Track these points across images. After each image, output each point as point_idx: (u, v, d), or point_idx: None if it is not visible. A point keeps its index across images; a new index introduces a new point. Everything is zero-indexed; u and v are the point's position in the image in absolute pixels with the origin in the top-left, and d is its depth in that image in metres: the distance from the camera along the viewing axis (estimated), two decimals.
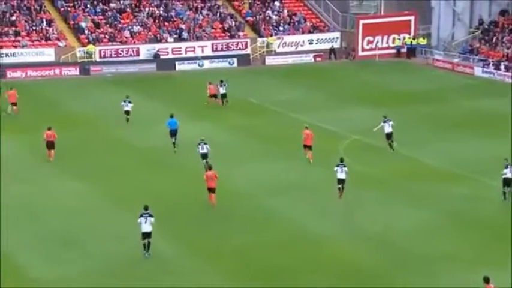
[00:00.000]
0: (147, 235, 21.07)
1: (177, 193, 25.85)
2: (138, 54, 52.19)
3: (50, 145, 29.91)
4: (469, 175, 27.67)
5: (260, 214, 23.94)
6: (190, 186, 26.56)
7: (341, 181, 25.73)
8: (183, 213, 23.90)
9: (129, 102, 35.65)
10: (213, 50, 53.76)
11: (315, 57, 55.50)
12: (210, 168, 25.50)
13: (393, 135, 30.97)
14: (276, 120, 36.48)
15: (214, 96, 39.88)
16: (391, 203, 24.92)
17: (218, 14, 56.77)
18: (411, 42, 55.36)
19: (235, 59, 53.37)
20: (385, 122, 32.14)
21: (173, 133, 31.46)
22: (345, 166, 25.93)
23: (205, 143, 29.06)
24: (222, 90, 39.56)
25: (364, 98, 42.38)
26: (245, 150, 31.44)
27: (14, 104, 37.45)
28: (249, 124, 35.76)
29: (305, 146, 29.87)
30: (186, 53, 53.10)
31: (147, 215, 21.19)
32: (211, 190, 24.97)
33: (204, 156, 28.99)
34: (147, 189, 25.95)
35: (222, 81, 39.88)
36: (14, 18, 51.96)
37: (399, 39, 55.14)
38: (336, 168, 25.90)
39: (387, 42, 55.93)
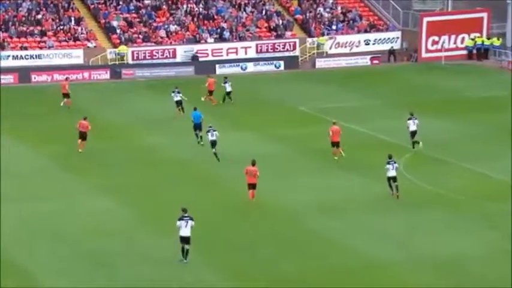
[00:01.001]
0: (185, 240, 21.59)
1: (216, 212, 25.81)
2: (174, 56, 52.71)
3: (83, 135, 32.37)
4: None
5: (311, 236, 23.66)
6: (231, 203, 26.50)
7: (393, 179, 26.54)
8: (224, 235, 23.81)
9: (179, 92, 37.69)
10: (257, 52, 53.88)
11: (371, 59, 55.07)
12: (253, 164, 26.52)
13: (417, 134, 31.77)
14: (325, 131, 36.25)
15: (211, 93, 41.55)
16: (460, 224, 24.38)
17: (263, 12, 56.92)
18: (483, 42, 54.40)
19: (282, 62, 53.35)
20: (410, 119, 32.86)
21: (197, 126, 33.56)
22: (395, 162, 26.77)
23: (214, 130, 31.34)
24: (228, 88, 41.46)
25: (428, 105, 41.75)
26: (293, 164, 31.28)
27: (66, 95, 37.98)
28: (297, 134, 35.61)
29: (333, 144, 30.93)
30: (227, 55, 53.38)
31: (187, 218, 21.79)
32: (251, 186, 26.35)
33: (214, 143, 31.28)
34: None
35: (226, 78, 42.47)
36: (39, 16, 53.15)
37: (471, 39, 54.24)
38: (386, 166, 26.65)
39: (455, 43, 55.12)
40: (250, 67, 52.93)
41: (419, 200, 26.68)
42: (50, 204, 26.41)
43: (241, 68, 52.81)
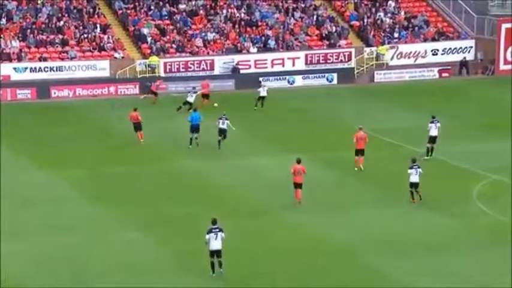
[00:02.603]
0: (216, 253, 22.77)
1: (263, 249, 25.79)
2: (212, 68, 53.19)
3: (137, 127, 37.88)
4: None
5: (372, 276, 23.48)
6: (280, 239, 26.46)
7: (415, 185, 28.93)
8: (271, 275, 23.78)
9: (226, 119, 37.71)
10: (307, 63, 54.04)
11: (440, 72, 54.71)
12: (298, 162, 28.97)
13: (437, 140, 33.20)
14: (389, 154, 36.02)
15: (206, 96, 44.40)
16: None
17: (315, 17, 57.12)
18: None
19: (335, 75, 53.39)
20: (432, 122, 33.84)
21: (194, 128, 36.69)
22: (419, 167, 28.96)
23: (226, 118, 36.12)
24: (262, 93, 44.72)
25: (507, 126, 41.22)
26: (349, 193, 31.15)
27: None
28: (349, 158, 35.47)
29: (357, 152, 32.88)
30: (272, 67, 53.67)
31: (217, 229, 22.87)
32: (297, 185, 28.94)
33: (222, 131, 36.04)
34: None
35: (261, 81, 46.05)
36: (61, 23, 54.26)
37: None
38: (410, 171, 29.05)
39: None
40: (299, 81, 53.04)
41: (497, 237, 26.23)
42: (72, 237, 26.73)
43: (288, 82, 53.00)
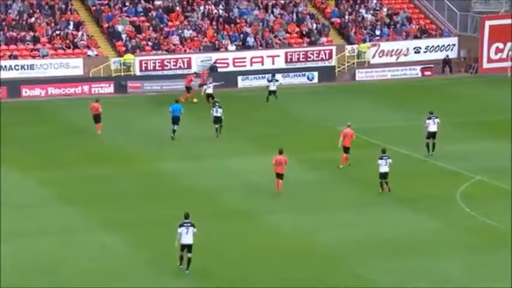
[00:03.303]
0: (187, 247, 23.60)
1: (244, 253, 25.88)
2: (189, 67, 53.18)
3: (96, 118, 39.31)
4: None
5: (358, 282, 23.64)
6: (262, 243, 26.56)
7: (384, 175, 30.26)
8: (254, 281, 23.86)
9: (219, 107, 39.37)
10: (287, 61, 54.19)
11: (423, 70, 55.08)
12: (280, 153, 30.54)
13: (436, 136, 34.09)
14: (372, 155, 36.18)
15: (188, 89, 46.27)
16: None
17: (295, 14, 57.30)
18: None
19: (315, 73, 53.59)
20: (430, 118, 34.75)
21: (175, 120, 38.32)
22: (389, 158, 30.37)
23: (220, 106, 38.45)
24: (272, 87, 46.17)
25: (491, 126, 41.62)
26: (333, 195, 31.33)
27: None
28: (336, 160, 35.68)
29: (344, 149, 33.60)
30: (251, 65, 53.76)
31: (188, 224, 23.70)
32: (279, 176, 30.57)
33: (217, 120, 38.49)
34: (198, 248, 26.11)
35: (273, 76, 47.72)
36: (32, 20, 53.97)
37: None
38: (379, 161, 30.29)
39: None
40: (279, 79, 53.15)
41: (482, 240, 26.52)
42: (46, 240, 26.65)
43: (268, 81, 53.03)
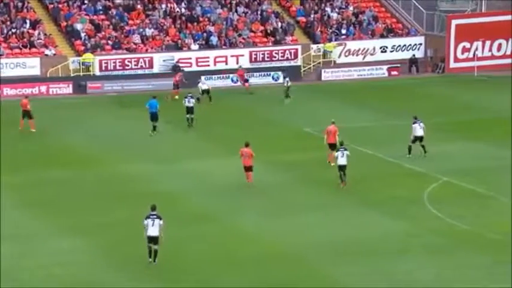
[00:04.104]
0: (153, 240, 24.27)
1: (209, 257, 26.08)
2: (151, 67, 53.24)
3: (25, 114, 40.40)
4: None
5: (320, 284, 23.95)
6: (227, 245, 26.80)
7: (343, 167, 31.38)
8: (216, 280, 24.10)
9: (191, 97, 41.86)
10: (251, 61, 54.48)
11: (389, 70, 55.73)
12: (247, 145, 31.59)
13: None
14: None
15: (177, 87, 47.69)
16: (501, 271, 24.70)
17: (259, 13, 57.61)
18: None
19: (280, 73, 53.96)
20: (415, 123, 35.39)
21: (152, 116, 39.69)
22: (346, 149, 31.55)
23: (192, 97, 41.07)
24: (286, 83, 48.36)
25: (458, 126, 42.28)
26: (299, 197, 31.63)
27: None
28: (302, 161, 36.00)
29: (330, 146, 33.91)
30: (215, 65, 53.98)
31: (154, 216, 24.39)
32: (247, 169, 31.58)
33: (190, 110, 40.91)
34: (164, 251, 26.29)
35: (284, 70, 51.08)
36: None
37: None
38: (337, 153, 31.61)
39: (490, 51, 55.88)
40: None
41: (449, 241, 26.98)
42: (6, 246, 26.59)
43: (232, 81, 53.37)
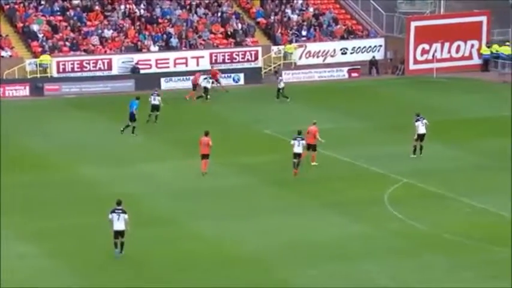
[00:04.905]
0: (119, 234, 25.18)
1: (167, 259, 26.04)
2: (110, 68, 52.97)
3: None
4: None
5: (281, 287, 24.11)
6: (185, 249, 26.78)
7: (298, 155, 33.40)
8: (174, 284, 24.08)
9: (158, 95, 42.82)
10: (211, 63, 54.47)
11: (349, 72, 56.11)
12: (206, 134, 33.38)
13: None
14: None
15: (195, 87, 48.66)
16: (460, 272, 25.03)
17: (219, 14, 57.65)
18: (494, 51, 55.69)
19: (241, 75, 54.05)
20: (418, 120, 36.03)
21: (130, 116, 39.94)
22: (303, 139, 33.45)
23: (158, 95, 42.27)
24: (280, 85, 48.61)
25: None
26: (259, 199, 31.73)
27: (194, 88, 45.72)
28: (262, 163, 36.12)
29: (309, 146, 34.53)
30: (175, 67, 53.86)
31: (119, 211, 25.21)
32: (204, 157, 33.38)
33: (155, 107, 42.02)
34: (124, 257, 26.18)
35: (277, 72, 51.22)
36: None
37: (488, 46, 55.76)
38: (293, 142, 33.49)
39: (449, 52, 56.54)
40: (203, 81, 53.45)
41: (408, 243, 27.26)
42: None
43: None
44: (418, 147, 36.42)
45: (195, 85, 49.29)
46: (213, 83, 49.61)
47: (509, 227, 28.53)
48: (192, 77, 50.19)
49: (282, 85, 48.64)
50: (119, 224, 25.09)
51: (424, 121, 36.13)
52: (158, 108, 42.15)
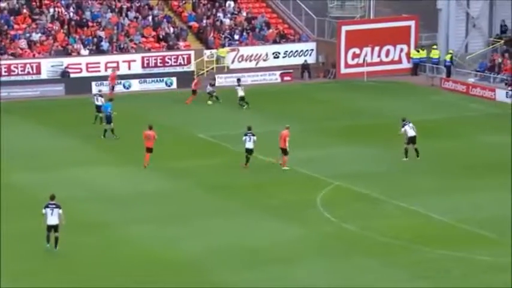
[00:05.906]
0: (53, 228, 25.98)
1: (101, 265, 26.12)
2: (38, 72, 52.52)
3: None
4: (493, 237, 28.75)
5: None
6: (118, 255, 26.88)
7: (249, 151, 35.35)
8: None
9: (100, 96, 43.69)
10: (143, 67, 54.50)
11: (282, 76, 56.76)
12: (150, 128, 35.54)
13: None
14: (231, 162, 37.24)
15: (194, 92, 49.20)
16: (390, 273, 25.71)
17: (151, 18, 57.69)
18: (423, 56, 57.03)
19: (174, 79, 54.19)
20: (405, 125, 37.17)
21: (106, 119, 40.99)
22: (253, 135, 35.33)
23: (101, 95, 43.32)
24: (240, 93, 48.34)
25: (349, 130, 43.49)
26: (194, 204, 32.01)
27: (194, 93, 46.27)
28: (197, 167, 36.42)
29: (281, 150, 35.83)
30: (106, 70, 53.68)
31: (53, 205, 26.04)
32: (148, 150, 35.44)
33: (100, 108, 42.29)
34: (59, 263, 26.19)
35: (239, 80, 50.59)
36: None
37: (417, 50, 57.02)
38: (244, 138, 35.36)
39: (379, 56, 57.70)
40: (135, 85, 53.44)
41: (340, 245, 27.90)
42: None
43: (124, 87, 53.23)
44: (412, 150, 36.93)
45: (195, 90, 49.41)
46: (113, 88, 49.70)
47: (437, 227, 29.49)
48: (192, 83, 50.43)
49: (241, 93, 48.25)
50: (53, 219, 25.70)
51: (411, 124, 36.87)
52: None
